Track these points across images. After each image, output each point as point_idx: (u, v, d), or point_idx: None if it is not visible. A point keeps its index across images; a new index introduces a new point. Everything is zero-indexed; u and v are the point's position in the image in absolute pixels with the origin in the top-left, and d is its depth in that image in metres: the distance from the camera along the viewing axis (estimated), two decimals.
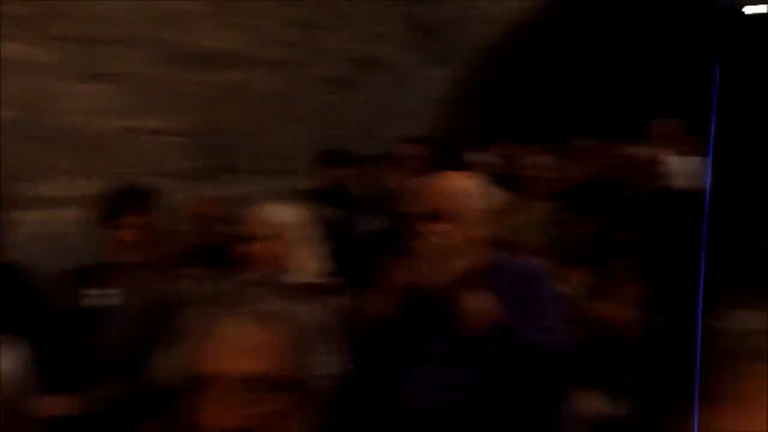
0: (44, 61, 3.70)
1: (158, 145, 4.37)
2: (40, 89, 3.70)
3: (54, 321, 2.42)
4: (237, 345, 1.10)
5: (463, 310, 1.81)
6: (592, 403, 2.68)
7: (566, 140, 6.38)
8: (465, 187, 2.08)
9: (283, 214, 2.43)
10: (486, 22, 6.45)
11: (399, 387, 1.93)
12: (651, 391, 3.22)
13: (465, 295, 1.80)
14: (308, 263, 2.40)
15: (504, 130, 7.49)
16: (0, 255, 2.50)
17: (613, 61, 9.55)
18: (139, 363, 2.20)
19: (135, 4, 3.78)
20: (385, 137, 6.28)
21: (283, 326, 1.13)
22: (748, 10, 9.01)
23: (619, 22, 8.84)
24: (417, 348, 1.93)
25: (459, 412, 1.87)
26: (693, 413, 0.61)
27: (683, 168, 5.86)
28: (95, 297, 2.49)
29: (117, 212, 2.50)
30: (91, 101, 3.92)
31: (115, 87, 3.98)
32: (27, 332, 1.52)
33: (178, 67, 4.24)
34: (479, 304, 1.81)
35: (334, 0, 4.89)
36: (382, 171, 4.91)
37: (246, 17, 4.37)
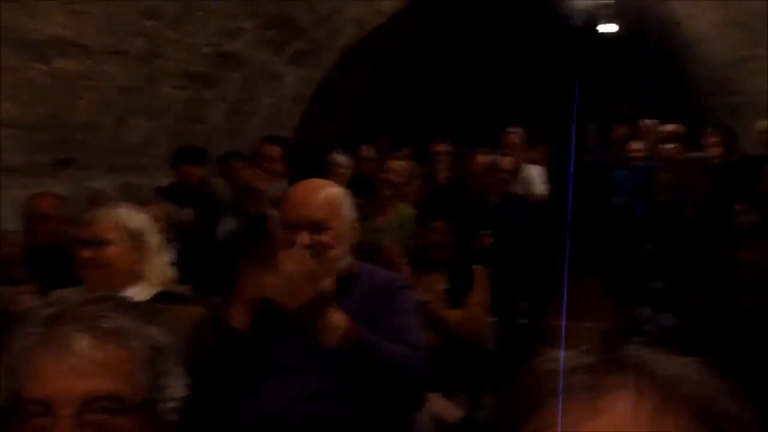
0: None
1: None
2: None
3: None
4: (73, 364, 1.01)
5: (318, 322, 1.76)
6: (448, 408, 2.72)
7: (426, 145, 6.51)
8: (336, 196, 2.06)
9: (133, 215, 2.27)
10: (348, 22, 6.46)
11: (251, 398, 1.86)
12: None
13: (321, 306, 1.75)
14: (159, 269, 2.26)
15: (364, 133, 7.54)
16: None
17: (475, 70, 9.88)
18: None
19: None
20: (244, 135, 6.14)
21: (127, 344, 1.04)
22: (602, 28, 9.61)
23: (481, 34, 9.15)
24: (270, 358, 1.88)
25: (313, 423, 1.83)
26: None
27: (536, 176, 6.14)
28: None
29: None
30: None
31: None
32: None
33: (21, 54, 3.91)
34: (335, 316, 1.78)
35: None
36: (241, 170, 4.77)
37: (98, 6, 4.09)
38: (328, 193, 2.04)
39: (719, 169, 5.19)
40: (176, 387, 1.10)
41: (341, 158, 5.75)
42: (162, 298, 2.15)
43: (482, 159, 4.79)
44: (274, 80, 6.14)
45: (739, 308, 2.84)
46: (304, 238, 1.93)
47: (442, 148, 6.22)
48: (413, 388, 1.87)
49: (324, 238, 1.95)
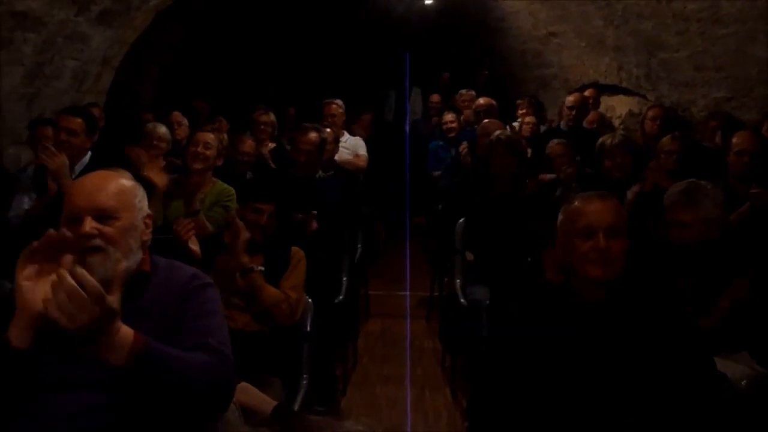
0: None
1: None
2: None
3: None
4: None
5: (101, 340, 1.58)
6: (257, 398, 2.65)
7: (246, 115, 6.31)
8: (129, 187, 1.92)
9: None
10: None
11: (33, 416, 1.70)
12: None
13: (104, 325, 1.57)
14: None
15: (180, 98, 7.19)
16: None
17: (296, 39, 9.70)
18: None
19: None
20: (45, 101, 5.64)
21: None
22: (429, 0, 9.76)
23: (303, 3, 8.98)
24: (50, 374, 1.71)
25: None
26: None
27: (358, 147, 6.16)
28: None
29: None
30: None
31: None
32: None
33: None
34: (119, 332, 1.61)
35: None
36: (38, 144, 4.34)
37: None
38: (120, 183, 1.91)
39: (527, 143, 5.46)
40: None
41: (162, 130, 5.41)
42: None
43: (314, 135, 4.66)
44: (75, 41, 5.65)
45: (545, 281, 2.99)
46: (88, 225, 1.78)
47: (266, 118, 6.05)
48: (215, 397, 1.76)
49: (109, 229, 1.81)
